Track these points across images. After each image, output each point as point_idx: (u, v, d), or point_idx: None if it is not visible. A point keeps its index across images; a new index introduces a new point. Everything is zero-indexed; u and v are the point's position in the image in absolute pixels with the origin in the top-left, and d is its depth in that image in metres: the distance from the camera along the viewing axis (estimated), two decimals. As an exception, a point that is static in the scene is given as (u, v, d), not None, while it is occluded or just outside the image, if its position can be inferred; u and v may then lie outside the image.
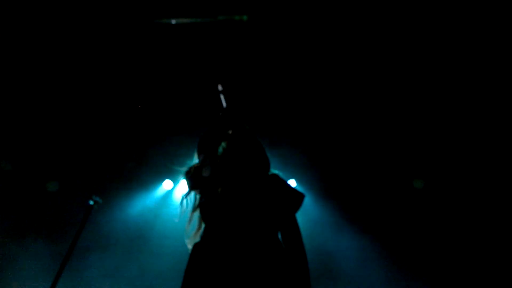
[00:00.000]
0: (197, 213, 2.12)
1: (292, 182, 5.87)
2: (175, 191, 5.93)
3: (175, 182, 5.88)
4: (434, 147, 5.51)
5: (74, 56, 4.75)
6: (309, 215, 5.67)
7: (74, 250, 2.32)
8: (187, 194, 2.17)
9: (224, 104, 2.20)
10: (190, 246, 2.01)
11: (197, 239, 2.03)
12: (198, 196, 2.15)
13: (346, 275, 5.68)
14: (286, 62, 4.84)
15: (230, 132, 2.16)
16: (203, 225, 2.05)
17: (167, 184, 5.92)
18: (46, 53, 4.63)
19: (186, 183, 2.15)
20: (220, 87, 2.24)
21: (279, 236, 2.05)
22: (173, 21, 3.90)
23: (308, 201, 5.66)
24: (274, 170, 2.24)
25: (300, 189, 5.74)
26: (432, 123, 5.29)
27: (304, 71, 4.92)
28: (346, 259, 5.74)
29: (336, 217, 5.88)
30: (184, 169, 2.14)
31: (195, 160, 2.16)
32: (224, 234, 1.91)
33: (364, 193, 5.84)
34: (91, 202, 2.50)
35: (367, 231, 5.77)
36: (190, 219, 2.11)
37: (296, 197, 2.09)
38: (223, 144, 2.16)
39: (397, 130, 5.48)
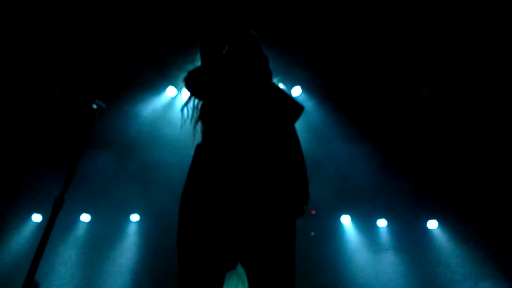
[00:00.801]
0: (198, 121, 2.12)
1: (297, 89, 5.84)
2: (178, 98, 5.92)
3: (179, 89, 5.87)
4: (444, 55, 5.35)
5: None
6: (311, 120, 5.74)
7: (81, 153, 2.40)
8: (187, 101, 2.17)
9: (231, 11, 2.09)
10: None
11: (198, 140, 2.05)
12: (198, 103, 2.14)
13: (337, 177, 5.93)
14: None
15: (235, 37, 2.09)
16: (202, 128, 2.07)
17: (170, 90, 5.91)
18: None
19: (186, 89, 2.09)
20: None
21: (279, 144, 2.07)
22: None
23: (311, 107, 5.69)
24: (276, 80, 2.20)
25: (304, 96, 5.75)
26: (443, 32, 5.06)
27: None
28: (343, 164, 5.95)
29: (339, 123, 5.94)
30: (184, 74, 2.08)
31: (197, 63, 2.11)
32: (225, 136, 1.93)
33: (368, 99, 5.83)
34: (94, 106, 2.51)
35: (363, 137, 5.89)
36: (194, 134, 2.11)
37: (295, 108, 2.09)
38: (227, 49, 2.09)
39: (406, 37, 5.26)
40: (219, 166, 1.86)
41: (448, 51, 5.22)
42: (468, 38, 5.02)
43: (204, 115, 2.04)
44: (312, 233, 5.90)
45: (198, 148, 2.00)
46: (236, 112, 1.96)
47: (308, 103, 5.77)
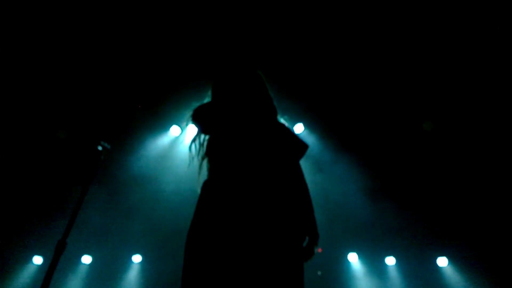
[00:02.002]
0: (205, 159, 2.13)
1: (300, 126, 5.88)
2: (182, 137, 5.96)
3: (183, 128, 5.91)
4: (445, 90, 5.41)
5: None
6: (313, 156, 5.73)
7: (84, 196, 2.40)
8: (195, 137, 2.19)
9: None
10: (199, 190, 2.03)
11: (205, 177, 2.05)
12: (204, 140, 2.16)
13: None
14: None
15: (242, 77, 2.15)
16: (208, 165, 2.08)
17: (174, 130, 5.95)
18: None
19: (194, 125, 2.13)
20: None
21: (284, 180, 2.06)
22: None
23: (312, 142, 5.71)
24: (282, 118, 2.24)
25: (307, 131, 5.78)
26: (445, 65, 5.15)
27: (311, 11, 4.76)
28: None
29: (341, 158, 5.91)
30: (191, 112, 2.10)
31: (206, 100, 2.16)
32: (231, 174, 1.93)
33: (370, 133, 5.84)
34: (100, 148, 2.53)
35: (367, 171, 5.84)
36: (200, 168, 2.12)
37: (300, 146, 2.12)
38: (235, 88, 2.14)
39: (408, 71, 5.35)
40: (226, 205, 1.85)
41: (450, 85, 5.29)
42: (469, 72, 5.09)
43: (211, 152, 2.06)
44: (319, 273, 5.74)
45: (205, 185, 2.00)
46: (242, 149, 1.97)
47: (309, 139, 5.79)
